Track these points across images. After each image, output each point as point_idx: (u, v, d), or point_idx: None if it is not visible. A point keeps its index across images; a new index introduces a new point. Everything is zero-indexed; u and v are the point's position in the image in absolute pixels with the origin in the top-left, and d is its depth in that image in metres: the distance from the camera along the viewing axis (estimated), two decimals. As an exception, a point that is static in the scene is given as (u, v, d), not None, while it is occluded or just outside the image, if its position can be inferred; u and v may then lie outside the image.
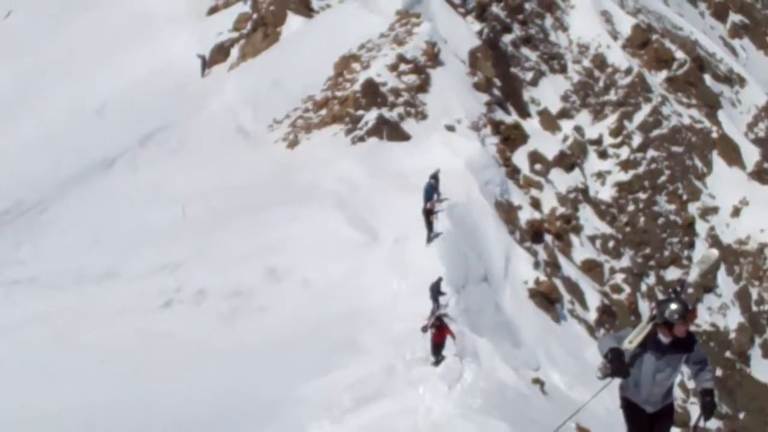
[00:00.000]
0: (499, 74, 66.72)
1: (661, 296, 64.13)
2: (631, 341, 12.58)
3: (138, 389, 29.77)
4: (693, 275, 15.60)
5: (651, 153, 72.37)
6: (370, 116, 52.03)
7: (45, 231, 48.46)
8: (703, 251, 67.86)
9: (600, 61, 77.55)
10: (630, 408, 13.10)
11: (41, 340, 35.09)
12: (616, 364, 12.47)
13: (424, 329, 28.83)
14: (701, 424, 13.09)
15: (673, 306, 12.34)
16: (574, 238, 60.53)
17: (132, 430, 26.91)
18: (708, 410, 12.48)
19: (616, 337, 12.84)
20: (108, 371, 31.75)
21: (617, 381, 12.89)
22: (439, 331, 28.62)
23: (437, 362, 28.61)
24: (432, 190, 39.37)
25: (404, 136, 51.76)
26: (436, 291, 32.52)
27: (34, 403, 28.67)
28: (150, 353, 33.02)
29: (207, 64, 67.49)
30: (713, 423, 53.89)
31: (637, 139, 72.68)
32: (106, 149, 57.19)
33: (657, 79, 78.96)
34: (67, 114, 65.65)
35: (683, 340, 12.48)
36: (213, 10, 75.70)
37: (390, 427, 24.86)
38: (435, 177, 40.22)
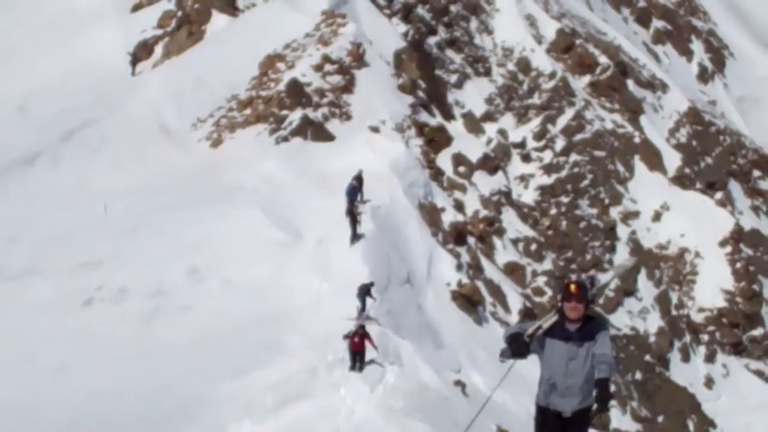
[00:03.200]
0: (424, 76, 66.93)
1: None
2: (538, 328, 12.53)
3: (60, 388, 29.45)
4: (607, 277, 15.55)
5: (574, 157, 72.94)
6: (295, 116, 51.93)
7: (-38, 228, 47.74)
8: (624, 256, 68.56)
9: (524, 65, 78.05)
10: (542, 416, 12.80)
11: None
12: (515, 345, 12.36)
13: (347, 337, 28.67)
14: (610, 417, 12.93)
15: (579, 278, 12.32)
16: (496, 240, 60.81)
17: (54, 430, 26.63)
18: (602, 400, 12.32)
19: (521, 327, 12.80)
20: (28, 370, 31.37)
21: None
22: (360, 340, 28.50)
23: (354, 369, 28.48)
24: (355, 191, 39.47)
25: (329, 137, 51.72)
26: (364, 294, 32.53)
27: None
28: (72, 352, 32.69)
29: (134, 62, 66.81)
30: (633, 425, 54.49)
31: (560, 143, 73.25)
32: (27, 146, 56.45)
33: (580, 83, 79.62)
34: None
35: (592, 326, 12.33)
36: (137, 7, 75.00)
37: (312, 428, 24.85)
38: (358, 178, 40.33)
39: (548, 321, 12.47)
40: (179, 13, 70.16)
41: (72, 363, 31.63)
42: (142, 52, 67.98)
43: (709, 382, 66.56)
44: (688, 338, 68.37)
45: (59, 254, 41.60)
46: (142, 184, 47.80)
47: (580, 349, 12.31)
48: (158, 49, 68.92)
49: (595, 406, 12.40)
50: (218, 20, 66.73)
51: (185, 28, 68.26)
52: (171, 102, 57.85)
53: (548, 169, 72.01)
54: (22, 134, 59.34)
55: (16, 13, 76.82)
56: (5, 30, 74.45)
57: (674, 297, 69.56)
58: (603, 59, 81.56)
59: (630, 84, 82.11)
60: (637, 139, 76.87)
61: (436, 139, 61.21)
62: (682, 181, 75.46)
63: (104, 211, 44.48)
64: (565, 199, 71.02)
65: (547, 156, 72.72)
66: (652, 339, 65.96)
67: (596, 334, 12.32)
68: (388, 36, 65.12)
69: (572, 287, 12.14)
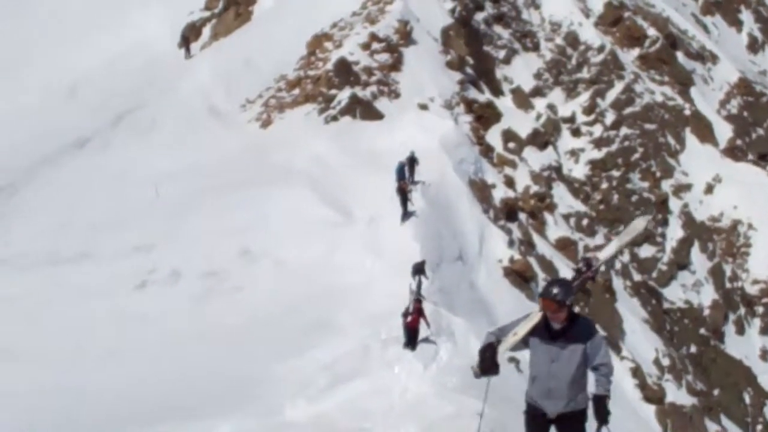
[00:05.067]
0: (472, 53, 66.56)
1: (636, 275, 64.40)
2: (516, 333, 12.23)
3: (114, 372, 29.54)
4: (610, 250, 14.81)
5: (624, 131, 72.44)
6: (343, 95, 51.89)
7: (16, 214, 48.15)
8: (677, 230, 68.06)
9: (572, 39, 77.48)
10: (530, 413, 12.52)
11: (10, 322, 34.80)
12: (486, 362, 12.22)
13: (405, 314, 28.56)
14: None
15: (554, 290, 11.85)
16: (548, 216, 60.50)
17: (108, 415, 26.68)
18: (600, 418, 12.06)
19: (502, 329, 12.45)
20: (82, 354, 31.50)
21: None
22: (416, 317, 28.41)
23: (409, 347, 28.37)
24: (404, 169, 39.40)
25: (377, 115, 51.63)
26: (418, 272, 32.41)
27: (4, 387, 28.36)
28: (125, 335, 32.83)
29: (188, 46, 66.86)
30: (688, 398, 54.13)
31: (610, 117, 72.73)
32: (78, 130, 56.84)
33: (629, 56, 78.99)
34: (37, 96, 65.11)
35: (578, 329, 12.01)
36: (184, -11, 75.27)
37: (366, 406, 24.77)
38: (411, 159, 40.33)
39: (527, 324, 12.20)
40: (227, -6, 70.33)
41: (125, 346, 31.75)
42: (190, 33, 68.16)
43: (765, 355, 65.99)
44: (742, 311, 67.83)
45: (111, 238, 41.83)
46: (192, 166, 47.92)
47: (563, 351, 12.01)
48: (206, 31, 69.12)
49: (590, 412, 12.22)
50: (265, 1, 66.75)
51: (233, 9, 68.40)
52: (220, 83, 57.96)
53: (598, 143, 71.54)
54: (72, 119, 59.78)
55: (63, -1, 77.30)
56: (53, 15, 74.92)
57: (728, 269, 69.01)
58: (652, 31, 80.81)
59: (679, 56, 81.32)
60: (687, 112, 76.19)
61: (485, 116, 60.93)
62: (733, 152, 74.75)
63: (155, 193, 44.66)
64: (616, 173, 70.58)
65: (597, 130, 72.23)
66: (706, 312, 65.52)
67: (585, 338, 12.03)
68: (435, 13, 64.80)
69: (548, 302, 11.80)
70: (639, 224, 15.70)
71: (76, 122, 58.30)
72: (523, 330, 12.21)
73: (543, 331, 12.08)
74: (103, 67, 65.55)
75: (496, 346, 12.33)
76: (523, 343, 12.26)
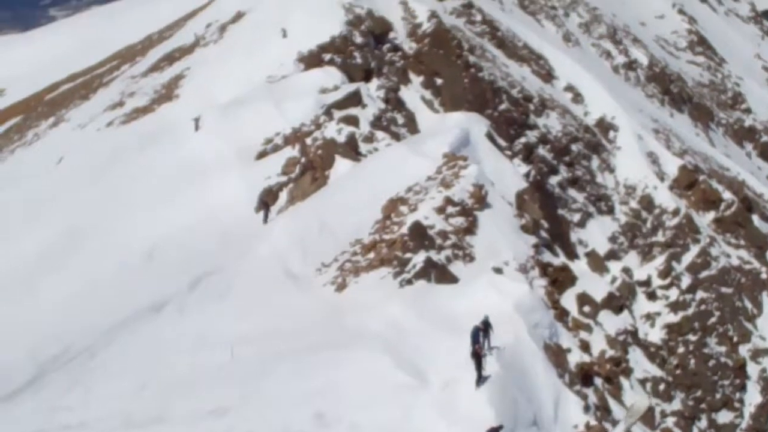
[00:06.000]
0: (547, 216, 66.90)
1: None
2: None
3: None
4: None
5: (700, 294, 72.11)
6: (418, 259, 52.13)
7: (93, 376, 48.49)
8: (755, 395, 67.00)
9: (647, 202, 77.77)
10: None
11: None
12: None
13: None
14: None
15: None
16: (624, 381, 59.92)
17: None
18: None
19: None
20: None
21: None
22: None
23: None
24: (479, 333, 39.35)
25: (452, 279, 51.75)
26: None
27: None
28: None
29: (266, 210, 67.56)
30: None
31: (686, 281, 72.50)
32: (155, 294, 57.41)
33: (705, 219, 79.01)
34: (115, 259, 66.06)
35: None
36: (262, 155, 76.42)
37: None
38: (485, 323, 40.30)
39: None
40: (303, 160, 71.34)
41: None
42: (267, 198, 69.06)
43: None
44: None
45: (186, 401, 41.97)
46: (268, 329, 48.13)
47: None
48: (283, 195, 69.98)
49: None
50: (341, 165, 67.71)
51: (309, 173, 69.35)
52: (296, 247, 58.44)
53: (674, 306, 71.23)
54: (149, 283, 60.44)
55: (143, 164, 79.02)
56: (132, 181, 76.50)
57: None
58: (727, 195, 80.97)
59: (755, 219, 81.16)
60: (764, 275, 75.79)
61: (560, 279, 60.92)
62: (813, 316, 74.00)
63: (231, 355, 44.88)
64: (692, 338, 70.05)
65: (673, 294, 71.99)
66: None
67: None
68: (509, 176, 65.37)
69: None
70: (642, 404, 15.79)
71: (153, 286, 58.94)
72: None
73: None
74: (181, 231, 66.43)
75: None
76: None
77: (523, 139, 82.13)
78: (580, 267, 68.33)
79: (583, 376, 51.66)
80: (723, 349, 69.86)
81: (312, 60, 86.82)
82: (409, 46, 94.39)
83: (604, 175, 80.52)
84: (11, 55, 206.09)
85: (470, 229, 56.73)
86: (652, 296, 71.03)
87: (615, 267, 72.49)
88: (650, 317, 69.74)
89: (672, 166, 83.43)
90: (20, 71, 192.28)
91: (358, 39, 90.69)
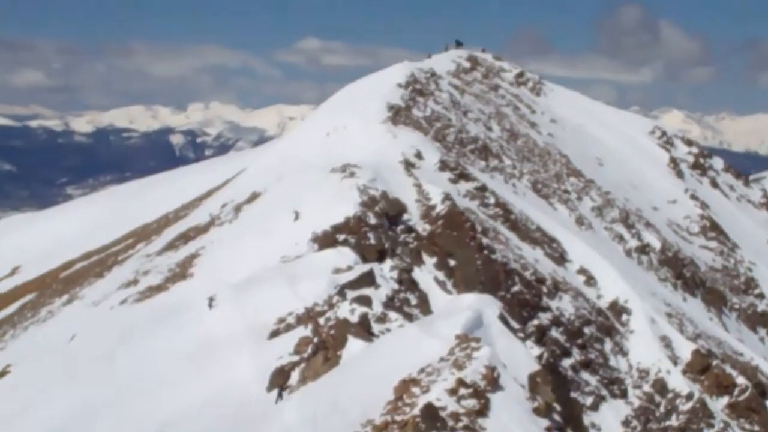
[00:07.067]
0: (559, 399, 66.52)
1: None
2: None
3: None
4: None
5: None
6: (430, 441, 51.90)
7: None
8: None
9: (660, 386, 77.61)
10: None
11: None
12: None
13: None
14: None
15: None
16: None
17: None
18: None
19: None
20: None
21: None
22: None
23: None
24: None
25: (464, 461, 51.42)
26: None
27: None
28: None
29: (280, 390, 67.47)
30: None
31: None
32: (164, 474, 57.17)
33: (718, 404, 78.67)
34: (126, 440, 65.83)
35: None
36: (274, 334, 76.57)
37: None
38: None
39: None
40: (315, 339, 71.39)
41: None
42: (279, 377, 68.95)
43: None
44: None
45: None
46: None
47: None
48: (294, 375, 69.88)
49: None
50: (354, 345, 67.76)
51: (321, 353, 69.32)
52: (306, 426, 58.12)
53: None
54: (159, 462, 60.15)
55: (156, 342, 79.19)
56: (145, 359, 76.57)
57: None
58: (741, 380, 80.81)
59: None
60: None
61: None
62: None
63: None
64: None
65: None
66: None
67: None
68: (522, 359, 65.25)
69: None
70: None
71: (163, 466, 58.73)
72: None
73: None
74: (192, 411, 66.23)
75: None
76: None
77: (535, 321, 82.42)
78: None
79: None
80: None
81: (326, 240, 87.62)
82: (423, 228, 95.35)
83: (617, 358, 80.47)
84: (27, 233, 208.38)
85: (482, 411, 56.41)
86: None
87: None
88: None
89: (685, 350, 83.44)
90: (36, 248, 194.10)
91: (372, 220, 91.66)
